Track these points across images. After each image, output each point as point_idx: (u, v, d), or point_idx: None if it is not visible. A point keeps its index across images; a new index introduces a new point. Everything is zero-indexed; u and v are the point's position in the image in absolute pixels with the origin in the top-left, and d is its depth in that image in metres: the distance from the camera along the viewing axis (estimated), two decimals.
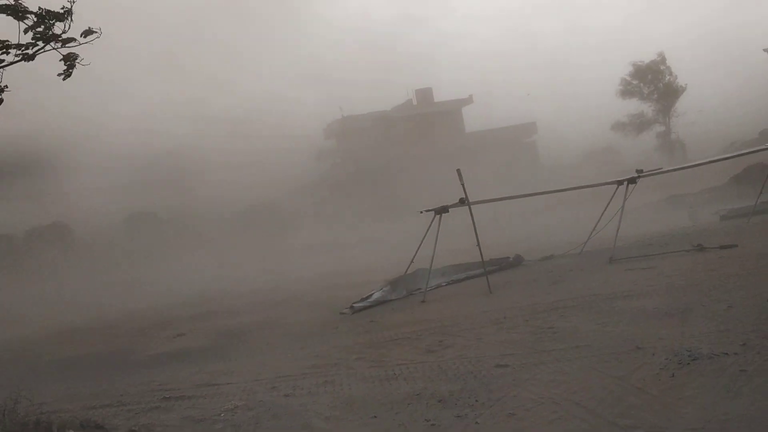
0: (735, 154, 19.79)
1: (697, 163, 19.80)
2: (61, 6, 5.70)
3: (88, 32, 5.77)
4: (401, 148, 49.27)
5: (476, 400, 6.20)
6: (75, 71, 5.93)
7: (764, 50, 49.26)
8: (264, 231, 39.27)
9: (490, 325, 9.49)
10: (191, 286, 25.14)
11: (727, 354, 6.33)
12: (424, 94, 53.53)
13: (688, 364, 6.24)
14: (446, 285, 14.34)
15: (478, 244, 12.81)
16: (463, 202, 13.05)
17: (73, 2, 5.63)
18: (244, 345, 11.17)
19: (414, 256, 13.72)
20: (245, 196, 41.99)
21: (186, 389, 8.22)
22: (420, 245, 13.42)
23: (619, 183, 15.16)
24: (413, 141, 49.83)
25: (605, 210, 15.35)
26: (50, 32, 5.70)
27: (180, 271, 30.35)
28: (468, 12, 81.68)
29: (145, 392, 8.36)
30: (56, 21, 5.69)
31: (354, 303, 13.17)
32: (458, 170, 12.95)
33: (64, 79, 6.10)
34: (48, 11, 5.61)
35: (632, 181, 14.86)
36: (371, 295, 13.61)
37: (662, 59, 51.38)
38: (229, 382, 8.30)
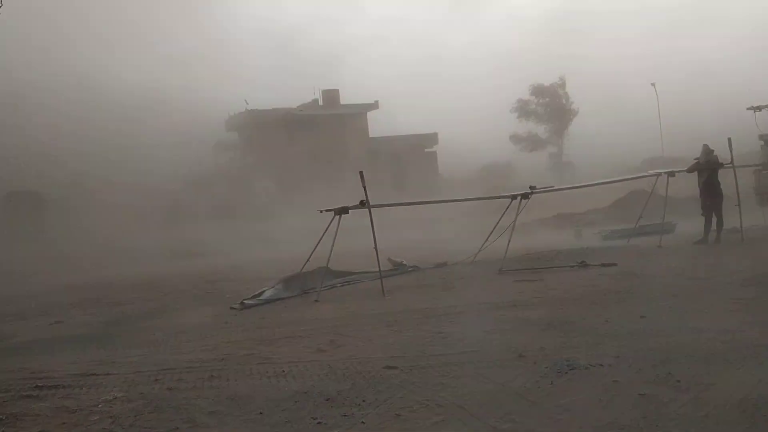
0: (621, 178, 21.02)
1: (585, 184, 20.90)
2: None
3: None
4: (305, 146, 49.01)
5: (363, 400, 6.25)
6: None
7: (651, 84, 52.65)
8: (158, 220, 37.89)
9: (381, 327, 9.60)
10: (74, 272, 23.93)
11: (602, 365, 6.69)
12: (331, 96, 53.46)
13: (566, 373, 6.55)
14: (341, 286, 14.37)
15: (375, 247, 12.92)
16: (363, 204, 13.14)
17: None
18: (126, 335, 10.75)
19: (310, 255, 13.67)
20: (137, 183, 40.37)
21: (61, 378, 7.81)
22: (317, 244, 13.38)
23: (513, 197, 15.72)
24: (317, 140, 49.68)
25: (498, 222, 15.88)
26: None
27: (63, 256, 28.78)
28: (378, 18, 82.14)
29: (15, 380, 7.87)
30: None
31: (245, 299, 12.95)
32: (361, 172, 13.03)
33: None
34: None
35: (525, 196, 15.45)
36: (263, 292, 13.43)
37: (563, 83, 53.94)
38: (108, 373, 7.96)
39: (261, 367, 7.74)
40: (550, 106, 53.98)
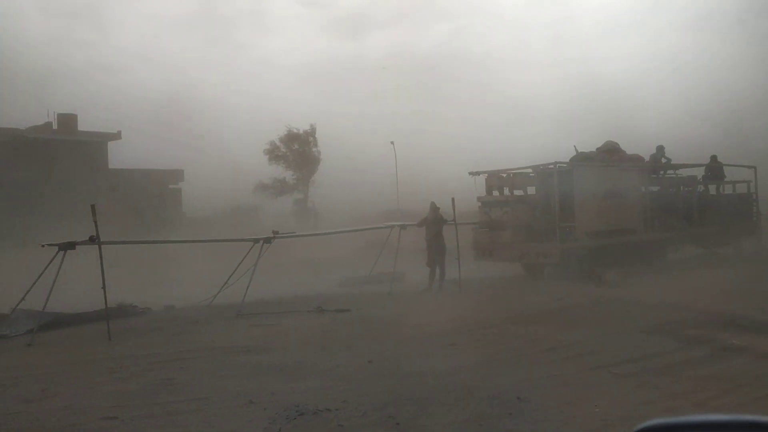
0: (359, 228, 22.17)
1: (327, 231, 21.67)
2: None
3: None
4: (34, 172, 44.35)
5: None
6: None
7: (390, 142, 56.70)
8: None
9: (104, 374, 8.91)
10: None
11: (329, 410, 6.87)
12: (68, 120, 49.27)
13: (295, 418, 6.61)
14: (59, 329, 13.04)
15: (104, 287, 12.01)
16: (93, 240, 12.20)
17: None
18: None
19: (25, 294, 12.26)
20: None
21: None
22: (35, 282, 12.06)
23: (256, 241, 15.72)
24: (49, 167, 45.29)
25: (239, 265, 15.72)
26: None
27: None
28: (124, 47, 77.37)
29: None
30: None
31: None
32: (92, 205, 12.12)
33: None
34: None
35: (268, 240, 15.54)
36: None
37: (313, 130, 55.78)
38: None
39: None
40: (298, 153, 55.41)
